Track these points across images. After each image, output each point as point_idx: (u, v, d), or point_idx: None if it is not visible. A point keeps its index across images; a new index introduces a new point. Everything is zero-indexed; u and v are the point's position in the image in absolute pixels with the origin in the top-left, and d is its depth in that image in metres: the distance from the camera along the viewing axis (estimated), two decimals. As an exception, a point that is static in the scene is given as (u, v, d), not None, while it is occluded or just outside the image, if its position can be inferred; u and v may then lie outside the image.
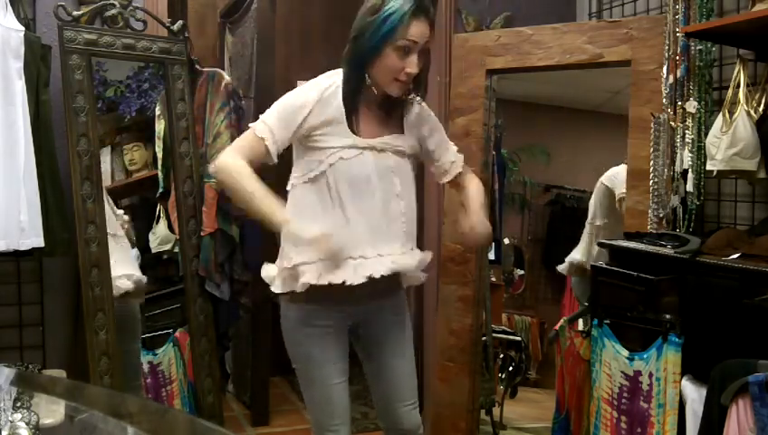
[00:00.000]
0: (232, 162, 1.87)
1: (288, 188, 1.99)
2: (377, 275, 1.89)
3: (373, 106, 1.98)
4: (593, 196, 3.28)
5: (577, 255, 3.28)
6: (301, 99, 1.92)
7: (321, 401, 1.98)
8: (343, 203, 1.89)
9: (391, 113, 2.01)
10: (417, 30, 1.86)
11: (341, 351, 1.99)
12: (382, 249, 1.92)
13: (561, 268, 3.39)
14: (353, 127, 1.92)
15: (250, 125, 1.94)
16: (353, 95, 1.92)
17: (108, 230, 2.67)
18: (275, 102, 1.96)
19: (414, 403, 2.09)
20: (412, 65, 1.87)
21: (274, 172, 2.09)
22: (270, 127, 1.90)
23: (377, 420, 3.46)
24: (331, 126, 1.90)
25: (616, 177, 3.12)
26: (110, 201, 2.89)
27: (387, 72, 1.89)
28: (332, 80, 1.94)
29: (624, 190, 3.07)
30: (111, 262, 2.67)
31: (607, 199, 3.19)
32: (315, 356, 1.95)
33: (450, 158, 2.16)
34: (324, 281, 1.87)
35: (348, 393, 2.01)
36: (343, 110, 1.91)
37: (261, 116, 1.94)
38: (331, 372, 1.96)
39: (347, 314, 1.98)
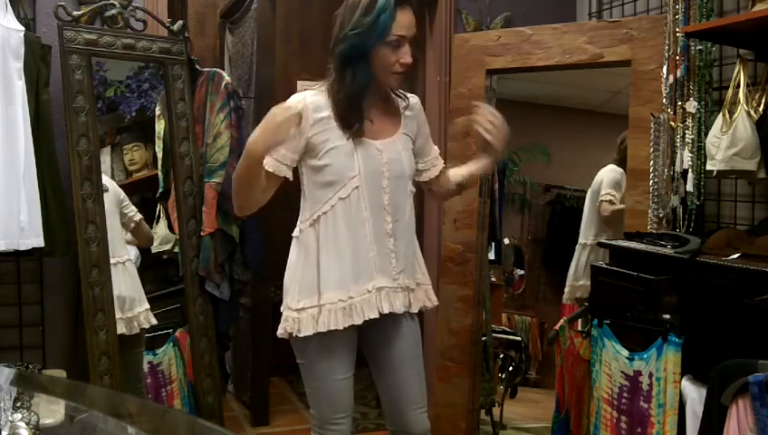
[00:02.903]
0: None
1: (295, 234, 2.02)
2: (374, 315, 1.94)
3: (376, 103, 2.00)
4: (585, 209, 3.30)
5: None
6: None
7: (326, 395, 1.98)
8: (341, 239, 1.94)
9: (389, 111, 2.04)
10: (405, 22, 1.90)
11: (349, 346, 1.99)
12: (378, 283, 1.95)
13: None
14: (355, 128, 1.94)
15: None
16: (359, 93, 1.93)
17: (113, 259, 2.70)
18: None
19: (423, 407, 2.07)
20: (406, 56, 1.91)
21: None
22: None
23: (377, 420, 3.48)
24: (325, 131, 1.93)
25: (601, 178, 3.17)
26: (125, 198, 2.94)
27: (383, 68, 1.92)
28: (302, 95, 1.97)
29: (608, 191, 3.08)
30: (124, 295, 2.73)
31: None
32: (322, 352, 1.96)
33: (434, 154, 2.18)
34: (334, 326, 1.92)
35: (352, 388, 2.02)
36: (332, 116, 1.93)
37: None
38: (338, 368, 1.97)
39: None
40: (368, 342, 2.06)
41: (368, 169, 1.94)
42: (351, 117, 1.92)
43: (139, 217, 3.00)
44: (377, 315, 1.94)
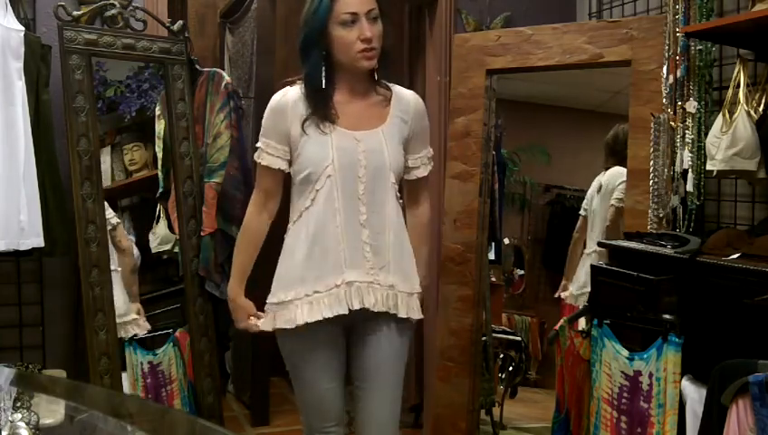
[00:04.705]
0: (246, 224, 2.07)
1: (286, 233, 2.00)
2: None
3: (357, 95, 1.98)
4: (593, 212, 3.23)
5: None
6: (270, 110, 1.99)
7: (313, 403, 1.96)
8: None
9: (374, 104, 1.99)
10: (351, 1, 1.87)
11: (335, 353, 1.95)
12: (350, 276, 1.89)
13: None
14: (331, 119, 1.92)
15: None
16: (319, 88, 1.92)
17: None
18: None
19: (390, 430, 1.96)
20: (364, 31, 1.87)
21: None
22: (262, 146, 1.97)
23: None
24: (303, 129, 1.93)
25: (613, 181, 3.09)
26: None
27: (344, 49, 1.89)
28: (282, 92, 1.98)
29: (618, 197, 3.00)
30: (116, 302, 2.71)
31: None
32: (307, 358, 1.93)
33: (424, 154, 2.08)
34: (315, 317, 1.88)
35: (342, 395, 1.98)
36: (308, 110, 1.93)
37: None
38: (324, 375, 1.94)
39: (340, 322, 1.92)
40: (348, 346, 1.99)
41: (343, 159, 1.89)
42: (314, 102, 1.91)
43: (115, 221, 2.87)
44: (346, 311, 1.86)
